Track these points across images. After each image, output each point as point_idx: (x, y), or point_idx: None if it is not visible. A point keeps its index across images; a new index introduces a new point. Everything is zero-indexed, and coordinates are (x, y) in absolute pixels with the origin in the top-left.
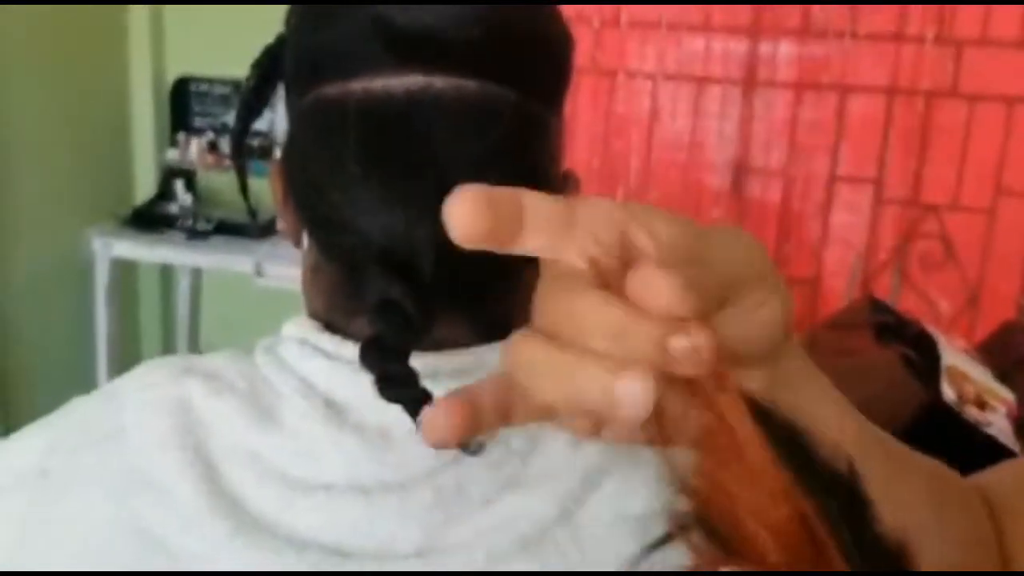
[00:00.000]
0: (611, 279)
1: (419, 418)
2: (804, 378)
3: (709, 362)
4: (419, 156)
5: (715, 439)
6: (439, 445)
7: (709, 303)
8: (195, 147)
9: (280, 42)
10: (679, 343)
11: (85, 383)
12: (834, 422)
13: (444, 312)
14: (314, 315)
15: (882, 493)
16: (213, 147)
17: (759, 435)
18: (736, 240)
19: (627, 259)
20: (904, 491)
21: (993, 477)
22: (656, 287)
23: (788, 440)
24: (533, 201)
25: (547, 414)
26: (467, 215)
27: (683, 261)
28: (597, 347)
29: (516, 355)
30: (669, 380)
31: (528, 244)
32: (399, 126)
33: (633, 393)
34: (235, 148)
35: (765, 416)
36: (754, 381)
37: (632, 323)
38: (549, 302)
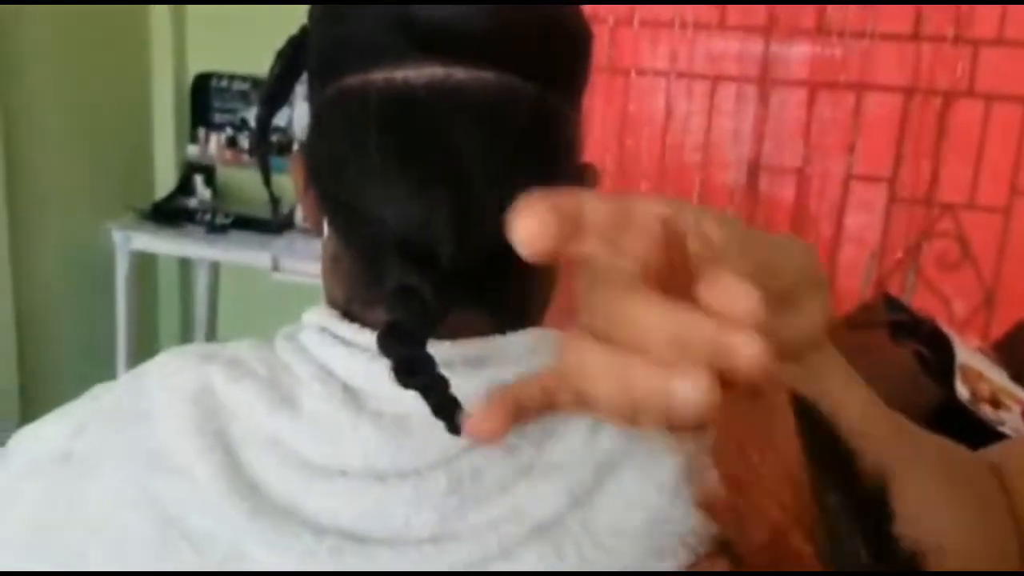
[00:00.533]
0: (661, 277)
1: (458, 417)
2: (831, 367)
3: (766, 369)
4: (439, 146)
5: (751, 428)
6: (483, 439)
7: (773, 312)
8: (215, 143)
9: (304, 33)
10: (747, 349)
11: (104, 374)
12: (857, 409)
13: (461, 300)
14: (333, 304)
15: (901, 479)
16: (232, 143)
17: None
18: (793, 249)
19: (677, 257)
20: (921, 475)
21: (1003, 450)
22: (737, 296)
23: (829, 441)
24: (592, 204)
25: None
26: (535, 230)
27: (741, 266)
28: (655, 351)
29: (569, 356)
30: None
31: (585, 248)
32: (419, 117)
33: (695, 395)
34: (259, 136)
35: (807, 414)
36: (789, 372)
37: (694, 329)
38: (602, 304)
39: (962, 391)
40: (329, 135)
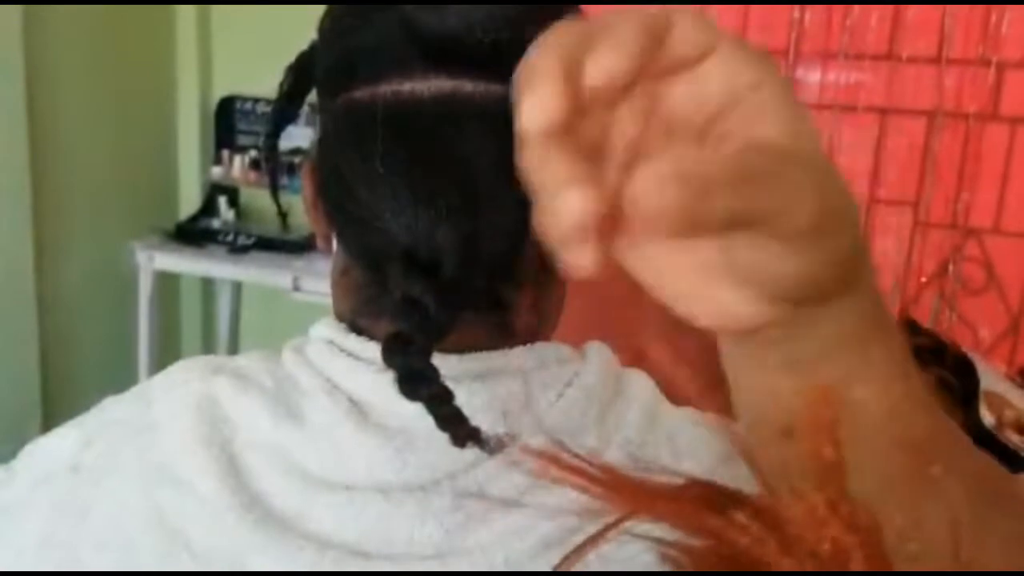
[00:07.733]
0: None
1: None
2: (850, 345)
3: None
4: (445, 158)
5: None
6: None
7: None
8: (238, 164)
9: (314, 48)
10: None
11: None
12: (873, 407)
13: (467, 314)
14: (341, 317)
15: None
16: (256, 165)
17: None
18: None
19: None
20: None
21: None
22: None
23: None
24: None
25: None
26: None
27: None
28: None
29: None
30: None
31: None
32: (426, 129)
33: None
34: (268, 150)
35: None
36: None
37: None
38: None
39: (986, 417)
40: (337, 148)
